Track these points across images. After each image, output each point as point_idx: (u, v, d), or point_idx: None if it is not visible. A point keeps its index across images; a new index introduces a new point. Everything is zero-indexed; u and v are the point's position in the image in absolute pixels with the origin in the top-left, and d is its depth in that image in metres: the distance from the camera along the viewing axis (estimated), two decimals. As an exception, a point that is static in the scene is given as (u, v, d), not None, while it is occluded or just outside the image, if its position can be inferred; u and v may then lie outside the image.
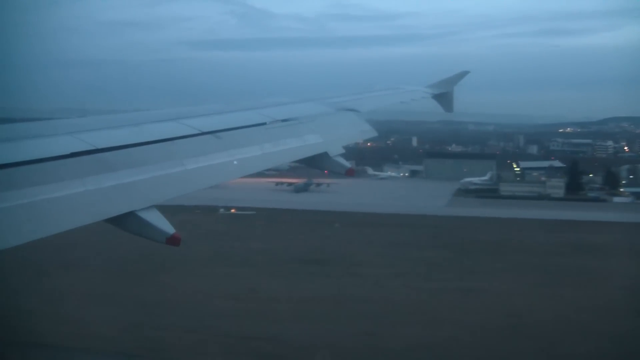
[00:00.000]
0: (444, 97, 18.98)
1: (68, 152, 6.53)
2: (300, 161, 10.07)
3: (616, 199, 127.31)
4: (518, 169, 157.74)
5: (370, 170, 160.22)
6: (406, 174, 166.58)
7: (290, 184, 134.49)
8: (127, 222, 6.38)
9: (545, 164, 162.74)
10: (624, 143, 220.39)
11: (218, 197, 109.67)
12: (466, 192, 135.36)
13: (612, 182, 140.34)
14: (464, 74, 19.67)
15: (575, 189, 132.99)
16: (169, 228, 6.42)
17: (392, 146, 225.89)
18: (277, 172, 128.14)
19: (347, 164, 10.17)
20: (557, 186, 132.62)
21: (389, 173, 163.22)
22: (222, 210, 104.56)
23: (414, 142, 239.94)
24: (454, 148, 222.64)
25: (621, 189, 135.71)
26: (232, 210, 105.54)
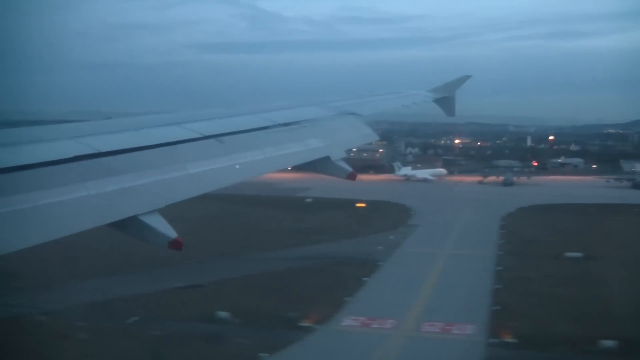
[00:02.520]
0: (445, 101, 18.96)
1: (71, 155, 6.53)
2: (303, 165, 10.06)
3: None
4: None
5: (638, 167, 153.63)
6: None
7: (621, 180, 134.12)
8: (129, 226, 6.38)
9: None
10: None
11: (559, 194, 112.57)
12: None
13: None
14: (465, 78, 19.70)
15: None
16: (171, 232, 6.40)
17: (507, 145, 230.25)
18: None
19: (349, 168, 10.13)
20: None
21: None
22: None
23: (529, 141, 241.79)
24: (573, 147, 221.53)
25: None
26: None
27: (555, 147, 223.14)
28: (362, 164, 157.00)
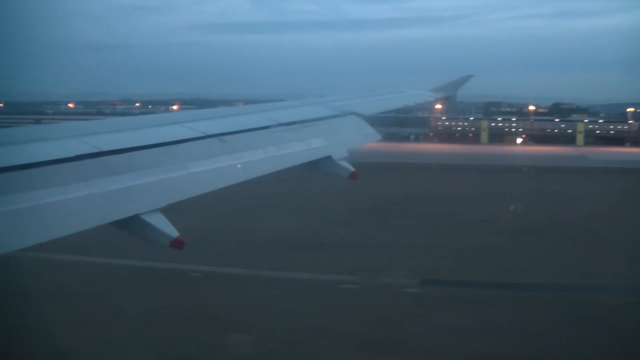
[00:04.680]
0: (447, 101, 19.11)
1: (73, 155, 6.54)
2: (305, 165, 10.09)
3: None
4: None
5: None
6: None
7: None
8: (131, 225, 6.39)
9: None
10: None
11: None
12: None
13: None
14: (467, 77, 19.86)
15: None
16: (172, 231, 6.42)
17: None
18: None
19: (351, 167, 10.17)
20: None
21: None
22: None
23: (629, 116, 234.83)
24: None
25: None
26: None
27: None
28: (609, 136, 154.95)
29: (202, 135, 8.48)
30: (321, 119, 11.55)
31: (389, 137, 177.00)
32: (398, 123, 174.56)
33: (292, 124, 10.54)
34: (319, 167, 10.10)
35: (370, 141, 12.54)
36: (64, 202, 5.92)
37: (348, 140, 11.40)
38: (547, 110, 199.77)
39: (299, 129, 10.52)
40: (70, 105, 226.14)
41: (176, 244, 6.37)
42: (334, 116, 12.06)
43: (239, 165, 8.45)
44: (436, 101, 18.71)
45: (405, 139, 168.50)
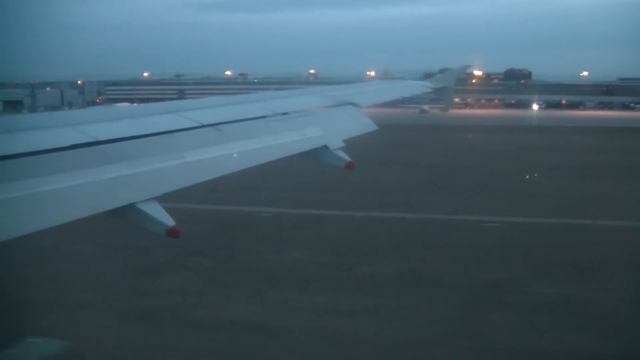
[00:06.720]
0: (444, 91, 19.19)
1: (68, 144, 6.52)
2: (301, 154, 10.09)
3: None
4: None
5: None
6: None
7: None
8: (127, 214, 6.39)
9: None
10: None
11: None
12: None
13: None
14: (464, 68, 19.96)
15: None
16: (168, 220, 6.42)
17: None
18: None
19: (347, 157, 10.19)
20: None
21: None
22: None
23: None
24: None
25: None
26: None
27: None
28: None
29: (198, 124, 8.47)
30: (318, 109, 11.58)
31: (599, 106, 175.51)
32: (609, 92, 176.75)
33: (288, 114, 10.55)
34: (315, 156, 10.11)
35: (366, 131, 12.54)
36: (59, 190, 5.91)
37: (344, 130, 11.40)
38: None
39: (295, 119, 10.53)
40: (229, 72, 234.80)
41: (172, 232, 6.37)
42: (331, 106, 12.08)
43: (235, 155, 8.44)
44: (433, 91, 18.76)
45: (625, 107, 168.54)
